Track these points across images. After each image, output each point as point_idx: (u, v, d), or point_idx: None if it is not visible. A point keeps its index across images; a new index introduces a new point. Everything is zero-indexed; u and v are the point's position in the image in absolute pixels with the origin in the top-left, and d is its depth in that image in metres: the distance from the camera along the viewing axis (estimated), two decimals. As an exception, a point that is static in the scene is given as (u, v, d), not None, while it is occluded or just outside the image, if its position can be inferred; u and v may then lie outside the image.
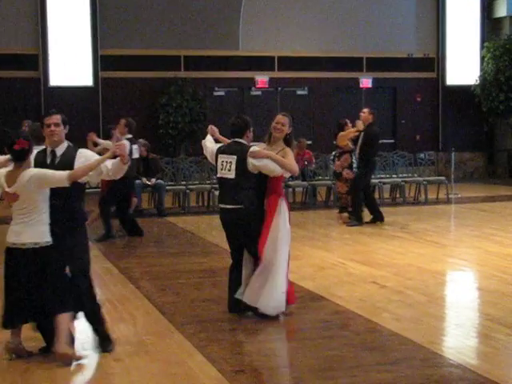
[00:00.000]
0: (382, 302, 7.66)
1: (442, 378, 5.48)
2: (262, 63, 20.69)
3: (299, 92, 21.37)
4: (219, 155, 7.23)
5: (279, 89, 21.16)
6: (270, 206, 7.08)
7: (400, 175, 17.27)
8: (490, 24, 22.48)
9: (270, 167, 6.99)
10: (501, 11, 22.08)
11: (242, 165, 7.02)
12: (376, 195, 16.60)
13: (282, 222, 7.07)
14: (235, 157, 7.07)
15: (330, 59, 21.14)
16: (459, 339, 6.56)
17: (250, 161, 6.99)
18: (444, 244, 11.44)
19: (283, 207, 7.12)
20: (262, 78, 20.59)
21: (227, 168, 7.10)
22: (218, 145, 7.50)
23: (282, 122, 7.22)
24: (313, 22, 20.93)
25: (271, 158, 6.98)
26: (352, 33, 21.23)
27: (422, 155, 18.49)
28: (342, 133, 13.34)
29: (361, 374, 5.62)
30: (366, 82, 21.48)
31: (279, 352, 6.19)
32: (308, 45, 20.91)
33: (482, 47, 22.00)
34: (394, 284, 8.55)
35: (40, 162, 6.05)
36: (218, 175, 7.25)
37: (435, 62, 22.33)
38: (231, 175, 7.07)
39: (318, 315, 7.36)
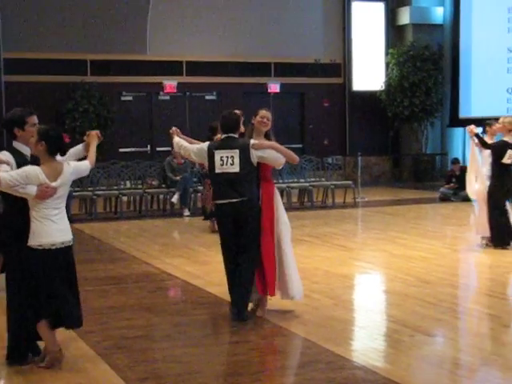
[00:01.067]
0: (288, 305, 7.69)
1: (345, 380, 5.54)
2: (170, 68, 20.61)
3: (208, 97, 21.38)
4: (216, 151, 7.24)
5: (187, 93, 21.11)
6: (267, 194, 7.32)
7: (308, 179, 17.44)
8: (394, 31, 22.99)
9: (274, 156, 7.21)
10: (404, 19, 22.61)
11: (245, 157, 7.14)
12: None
13: (280, 212, 7.37)
14: (237, 150, 7.16)
15: (238, 64, 21.22)
16: (363, 341, 6.66)
17: (254, 152, 7.15)
18: (350, 247, 11.61)
19: (278, 196, 7.44)
20: (170, 83, 20.48)
21: (229, 163, 7.17)
22: (202, 143, 7.53)
23: (267, 117, 7.44)
24: (221, 27, 20.97)
25: (274, 148, 7.20)
26: (260, 38, 21.35)
27: (329, 160, 18.74)
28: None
29: (266, 378, 5.64)
30: (274, 87, 21.64)
31: (185, 358, 6.13)
32: (216, 50, 20.94)
33: (387, 54, 22.48)
34: (301, 288, 8.59)
35: (23, 163, 5.80)
36: (217, 171, 7.24)
37: (342, 67, 22.68)
38: (235, 169, 7.15)
39: (224, 321, 7.34)
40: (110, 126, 19.31)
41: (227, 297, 7.94)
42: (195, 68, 20.83)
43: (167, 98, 21.03)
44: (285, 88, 21.80)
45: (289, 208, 16.25)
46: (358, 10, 22.67)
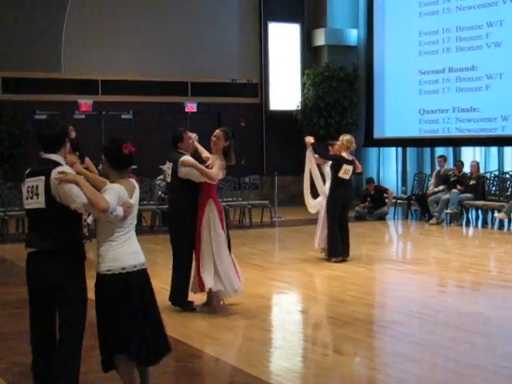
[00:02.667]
0: (203, 327, 7.64)
1: (260, 403, 5.52)
2: (85, 86, 20.31)
3: (124, 116, 21.16)
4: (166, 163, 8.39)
5: (103, 113, 20.87)
6: (201, 206, 8.19)
7: (225, 199, 17.38)
8: (310, 52, 23.25)
9: (192, 174, 8.05)
10: (319, 40, 22.88)
11: (175, 171, 8.12)
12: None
13: (206, 222, 8.18)
14: (171, 164, 8.21)
15: (154, 83, 21.09)
16: (279, 362, 6.64)
17: (179, 168, 8.05)
18: (267, 267, 11.61)
19: (212, 207, 8.19)
20: (85, 102, 20.21)
21: (167, 174, 8.28)
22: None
23: (217, 136, 8.34)
24: (138, 46, 20.81)
25: (194, 167, 8.00)
26: (177, 57, 21.29)
27: (246, 179, 18.74)
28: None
29: (180, 402, 5.57)
30: (191, 106, 21.60)
31: (98, 382, 6.00)
32: (133, 69, 20.77)
33: (303, 74, 22.71)
34: (217, 308, 8.55)
35: None
36: (167, 180, 8.42)
37: (258, 87, 22.81)
38: (169, 179, 8.30)
39: (139, 343, 7.21)
40: (23, 145, 18.89)
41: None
42: (111, 87, 20.59)
43: (83, 116, 20.73)
44: (202, 107, 21.78)
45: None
46: (274, 31, 22.86)
